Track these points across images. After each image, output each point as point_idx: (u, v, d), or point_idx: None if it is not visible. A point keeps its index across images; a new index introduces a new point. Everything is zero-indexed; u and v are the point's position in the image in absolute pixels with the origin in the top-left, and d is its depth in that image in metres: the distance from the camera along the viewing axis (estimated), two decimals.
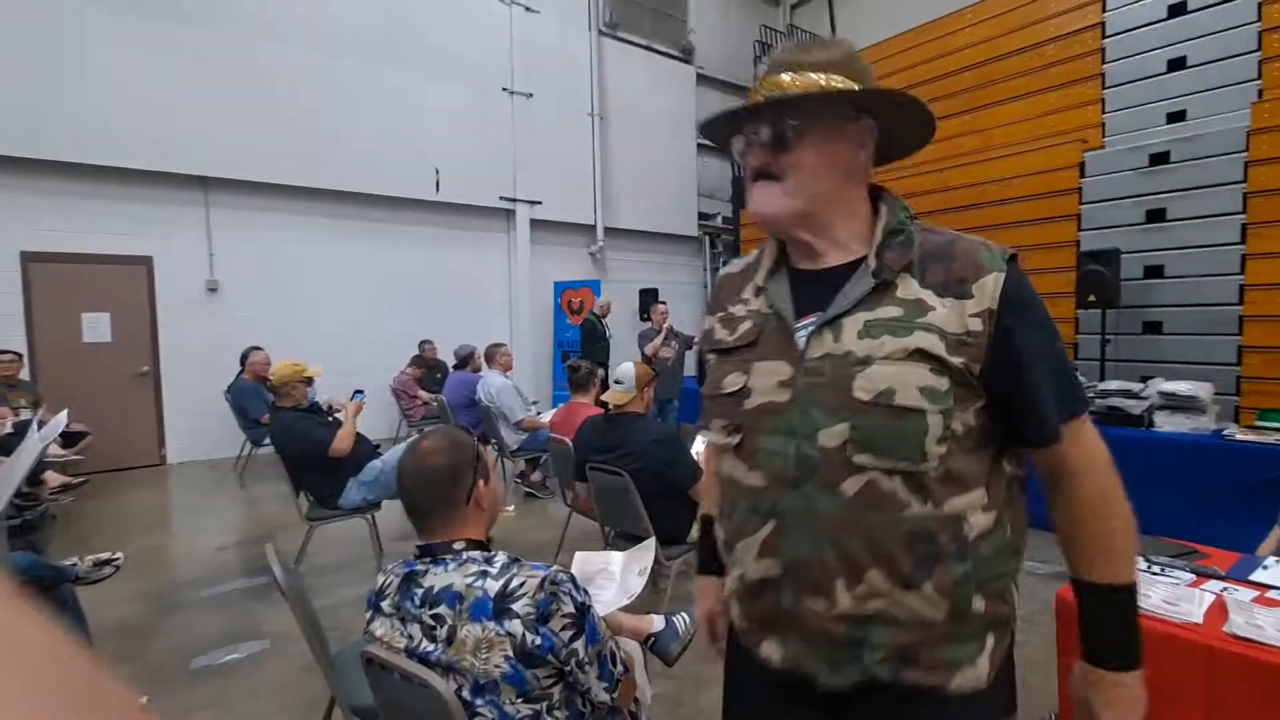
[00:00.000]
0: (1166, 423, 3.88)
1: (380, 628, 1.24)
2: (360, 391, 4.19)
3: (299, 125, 7.10)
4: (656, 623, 1.81)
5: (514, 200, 8.85)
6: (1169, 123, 5.84)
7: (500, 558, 1.23)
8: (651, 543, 1.79)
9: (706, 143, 11.14)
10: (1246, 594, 1.62)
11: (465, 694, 1.15)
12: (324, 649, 1.72)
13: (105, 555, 2.91)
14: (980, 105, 7.45)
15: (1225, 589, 1.65)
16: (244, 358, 5.99)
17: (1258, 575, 1.73)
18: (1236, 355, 5.30)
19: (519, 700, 1.15)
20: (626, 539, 3.02)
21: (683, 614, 1.87)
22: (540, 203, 9.08)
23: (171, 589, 3.53)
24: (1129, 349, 5.84)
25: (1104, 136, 6.29)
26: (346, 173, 7.45)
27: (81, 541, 4.18)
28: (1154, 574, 1.74)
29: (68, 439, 5.12)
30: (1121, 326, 5.84)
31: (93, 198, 6.22)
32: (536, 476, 5.37)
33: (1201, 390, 3.82)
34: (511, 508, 5.02)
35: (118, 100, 6.14)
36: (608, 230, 9.90)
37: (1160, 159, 5.64)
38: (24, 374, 5.44)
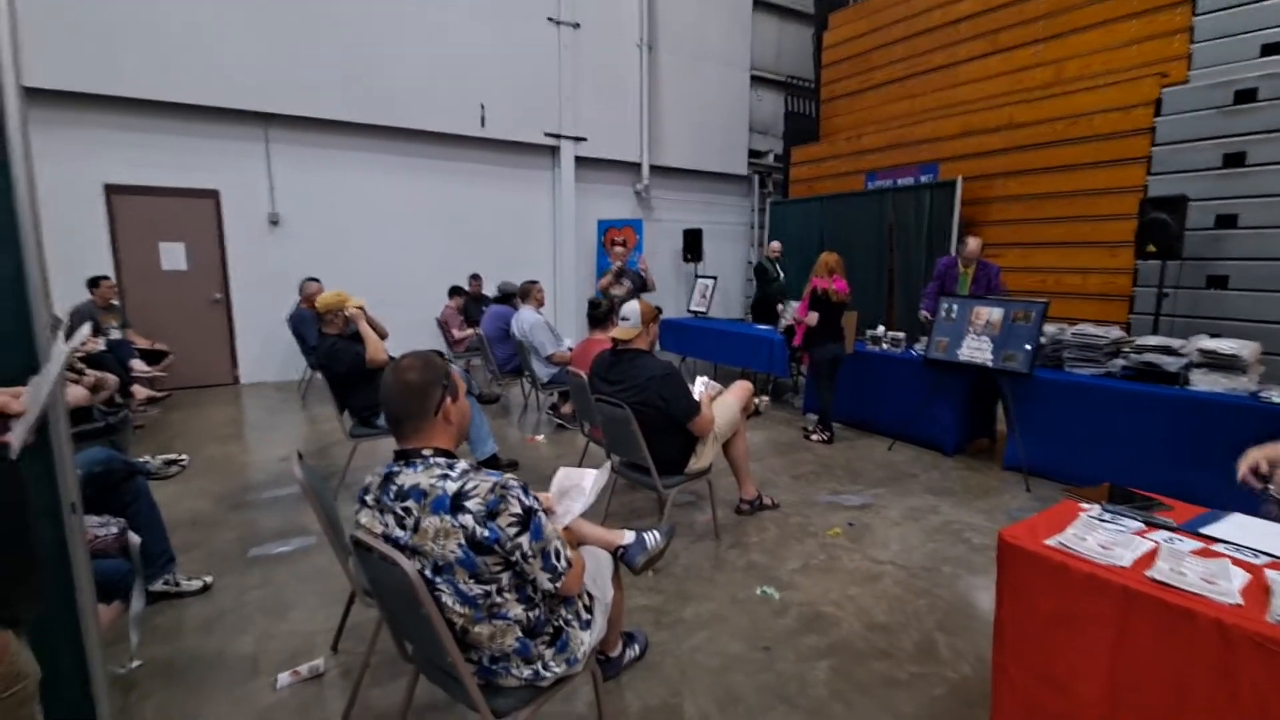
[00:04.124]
0: (1202, 381, 3.73)
1: (364, 517, 1.48)
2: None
3: (349, 62, 7.28)
4: (627, 536, 2.01)
5: (559, 137, 8.86)
6: (1263, 55, 5.27)
7: (461, 464, 1.43)
8: (607, 466, 1.96)
9: (761, 74, 10.80)
10: (1190, 545, 1.67)
11: (427, 573, 1.37)
12: (339, 540, 2.00)
13: (173, 456, 3.36)
14: (1056, 34, 6.87)
15: (1169, 539, 1.70)
16: (301, 288, 6.41)
17: (1211, 529, 1.77)
18: None
19: (471, 580, 1.37)
20: (630, 467, 3.23)
21: (654, 531, 2.06)
22: (585, 139, 9.06)
23: (237, 491, 4.00)
24: (1189, 304, 5.53)
25: (1189, 70, 5.75)
26: (395, 109, 7.62)
27: (164, 446, 4.74)
28: (1102, 521, 1.80)
29: (152, 357, 5.72)
30: (1183, 280, 5.51)
31: (164, 133, 6.64)
32: (567, 409, 5.63)
33: (1245, 349, 3.64)
34: (541, 436, 5.32)
35: (185, 39, 6.45)
36: (653, 168, 9.81)
37: (1246, 96, 5.15)
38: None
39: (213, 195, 6.96)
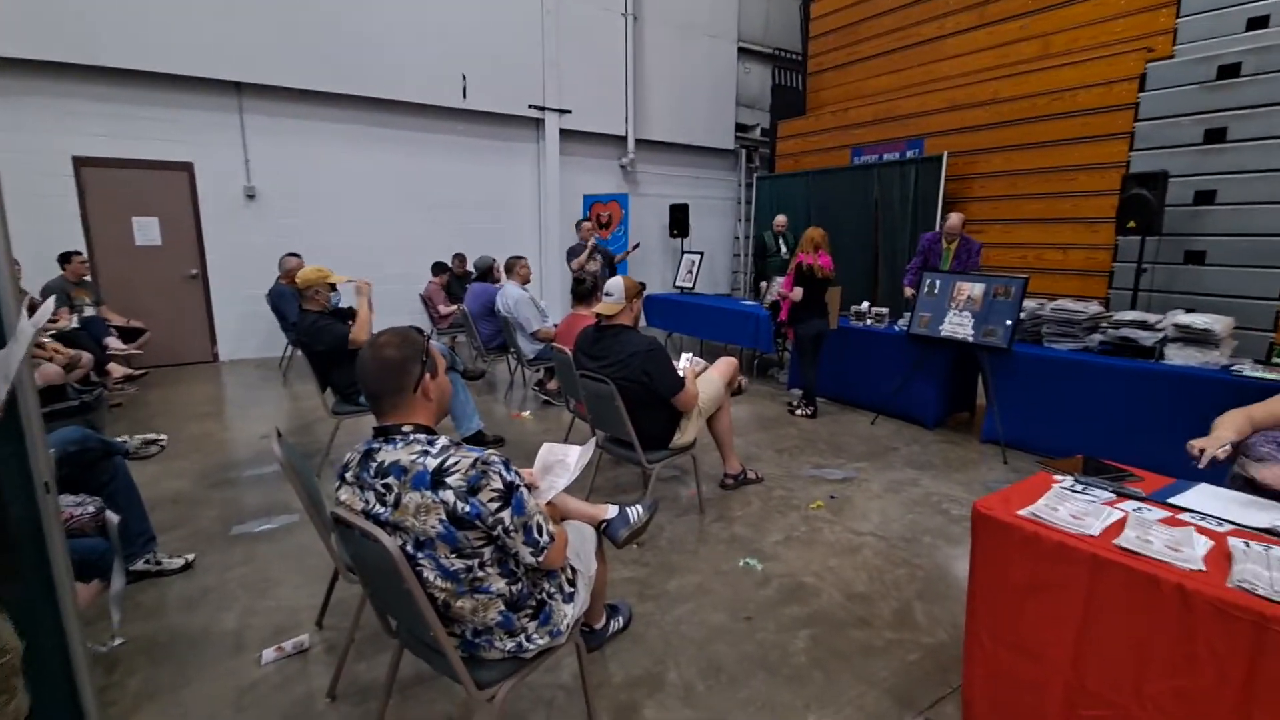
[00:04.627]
0: (1177, 355, 3.80)
1: (345, 494, 1.47)
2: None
3: (326, 29, 7.06)
4: (610, 511, 2.03)
5: (543, 109, 8.70)
6: (1248, 29, 5.28)
7: (441, 440, 1.42)
8: (592, 443, 1.97)
9: (749, 46, 10.61)
10: (1157, 514, 1.72)
11: (408, 549, 1.38)
12: (321, 517, 1.99)
13: (152, 435, 3.33)
14: (1044, 6, 6.82)
15: (1138, 508, 1.75)
16: (281, 263, 6.30)
17: (1178, 499, 1.82)
18: None
19: (453, 555, 1.37)
20: (614, 443, 3.24)
21: (637, 506, 2.08)
22: (570, 111, 8.90)
23: (218, 469, 3.97)
24: (1167, 279, 5.60)
25: (1174, 44, 5.74)
26: (375, 79, 7.43)
27: (142, 425, 4.68)
28: (1075, 492, 1.84)
29: (129, 335, 5.62)
30: (1162, 255, 5.58)
31: (134, 103, 6.43)
32: (553, 385, 5.62)
33: (1218, 324, 3.70)
34: (528, 412, 5.32)
35: (154, 3, 6.21)
36: (639, 142, 9.68)
37: (1230, 71, 5.17)
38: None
39: (186, 168, 6.78)
